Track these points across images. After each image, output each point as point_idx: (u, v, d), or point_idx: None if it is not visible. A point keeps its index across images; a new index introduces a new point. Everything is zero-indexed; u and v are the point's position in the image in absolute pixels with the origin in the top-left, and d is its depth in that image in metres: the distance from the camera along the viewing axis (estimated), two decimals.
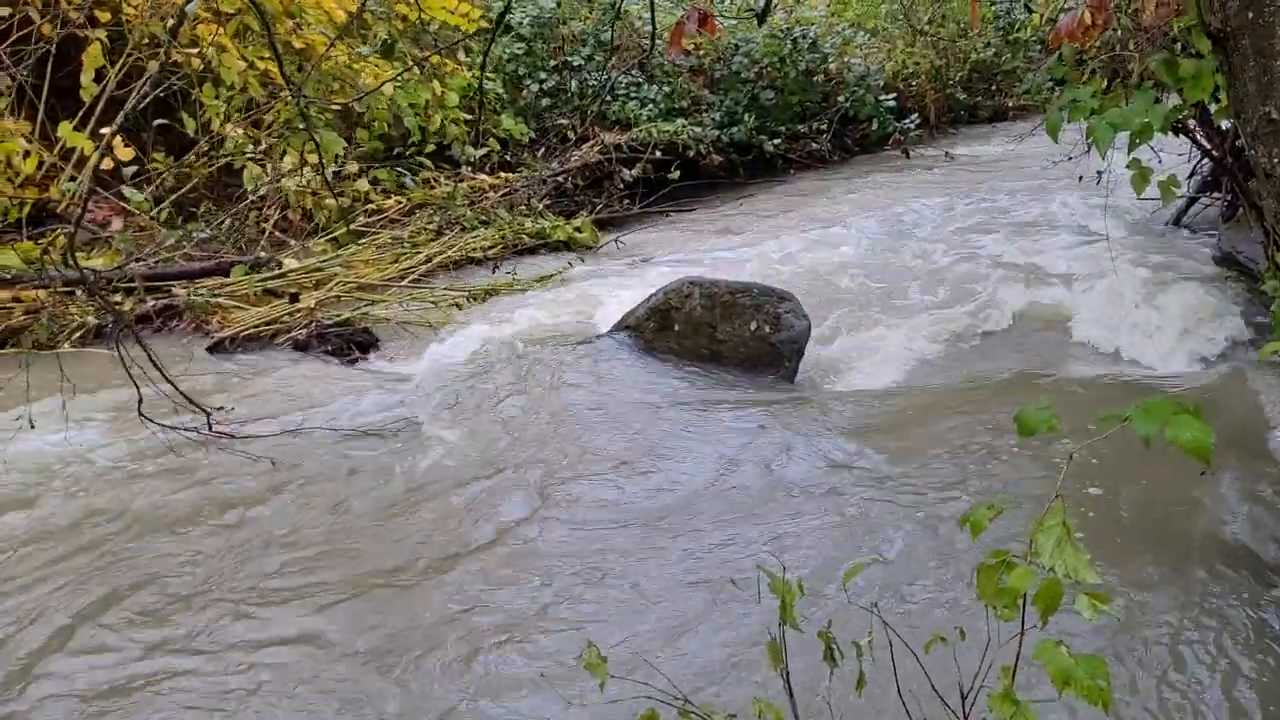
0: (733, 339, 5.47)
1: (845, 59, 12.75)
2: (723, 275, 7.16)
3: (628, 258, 8.43)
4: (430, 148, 8.85)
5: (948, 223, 9.01)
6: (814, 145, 12.32)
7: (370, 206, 8.50)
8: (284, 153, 7.98)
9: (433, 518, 4.07)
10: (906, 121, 12.89)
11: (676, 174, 10.18)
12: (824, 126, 12.48)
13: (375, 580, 3.58)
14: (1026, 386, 5.34)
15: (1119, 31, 5.49)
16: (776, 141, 11.85)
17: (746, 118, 11.73)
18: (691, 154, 10.73)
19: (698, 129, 10.97)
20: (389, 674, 3.04)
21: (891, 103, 12.85)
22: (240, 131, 7.63)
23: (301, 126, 5.45)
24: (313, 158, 7.18)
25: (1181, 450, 1.95)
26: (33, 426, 4.56)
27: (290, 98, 6.07)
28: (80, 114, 7.40)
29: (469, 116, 9.81)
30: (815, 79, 12.35)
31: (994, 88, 15.45)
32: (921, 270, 7.64)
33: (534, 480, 4.35)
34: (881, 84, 12.93)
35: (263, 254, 7.58)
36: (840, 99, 12.61)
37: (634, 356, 5.63)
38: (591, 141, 10.41)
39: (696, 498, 4.14)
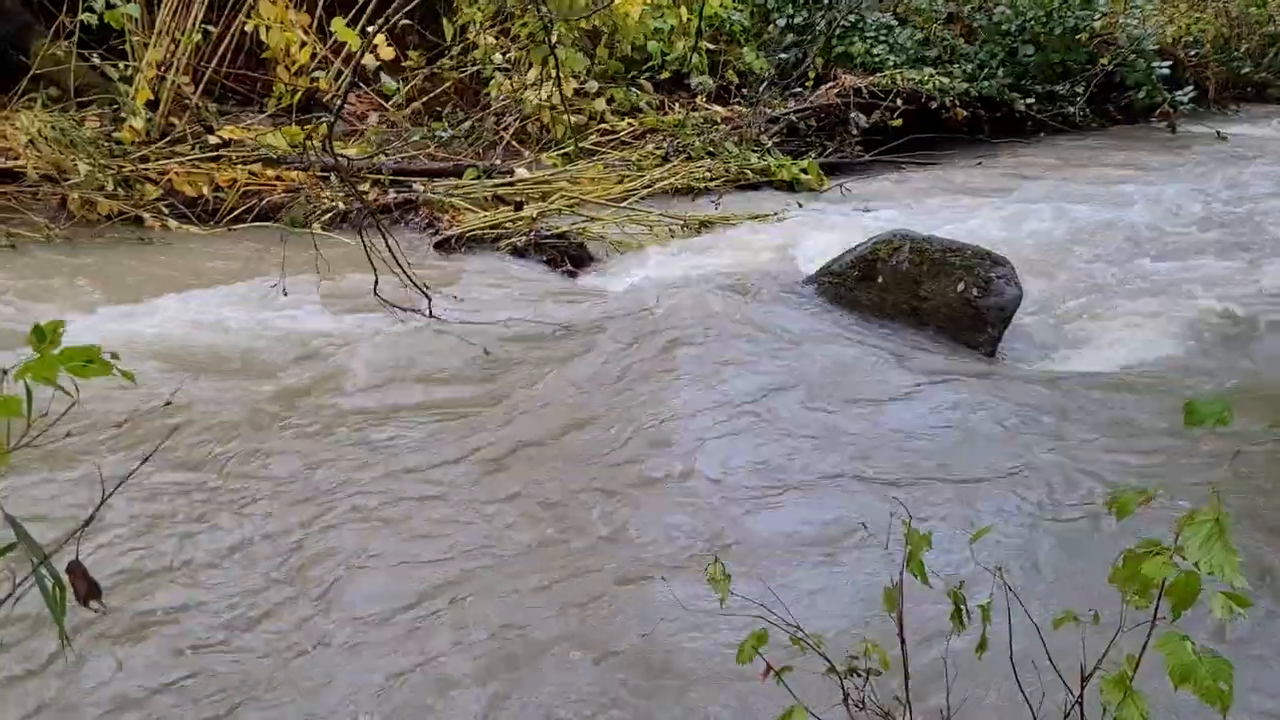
0: (936, 298, 5.35)
1: (1118, 18, 11.87)
2: (937, 229, 7.00)
3: (850, 204, 8.30)
4: (667, 74, 8.96)
5: (1204, 208, 8.35)
6: (1069, 109, 11.60)
7: (604, 126, 8.74)
8: (530, 66, 8.32)
9: (613, 422, 4.28)
10: (1180, 93, 11.91)
11: (899, 121, 9.82)
12: (1082, 89, 11.72)
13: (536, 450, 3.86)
14: (1248, 395, 4.95)
15: None
16: (1029, 101, 11.25)
17: (1000, 72, 11.18)
18: (935, 105, 10.35)
19: (945, 80, 10.55)
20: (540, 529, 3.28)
21: (1165, 70, 11.88)
22: (491, 41, 7.99)
23: (543, 40, 5.70)
24: (554, 71, 7.47)
25: None
26: (285, 294, 5.07)
27: (537, 11, 6.31)
28: (353, 12, 7.96)
29: (711, 46, 9.87)
30: (1080, 37, 11.58)
31: None
32: (1161, 257, 7.15)
33: (709, 409, 4.45)
34: (1156, 49, 11.97)
35: (497, 161, 7.98)
36: (1104, 61, 11.78)
37: (831, 303, 5.61)
38: (832, 83, 10.23)
39: (865, 453, 4.13)
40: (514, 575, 3.17)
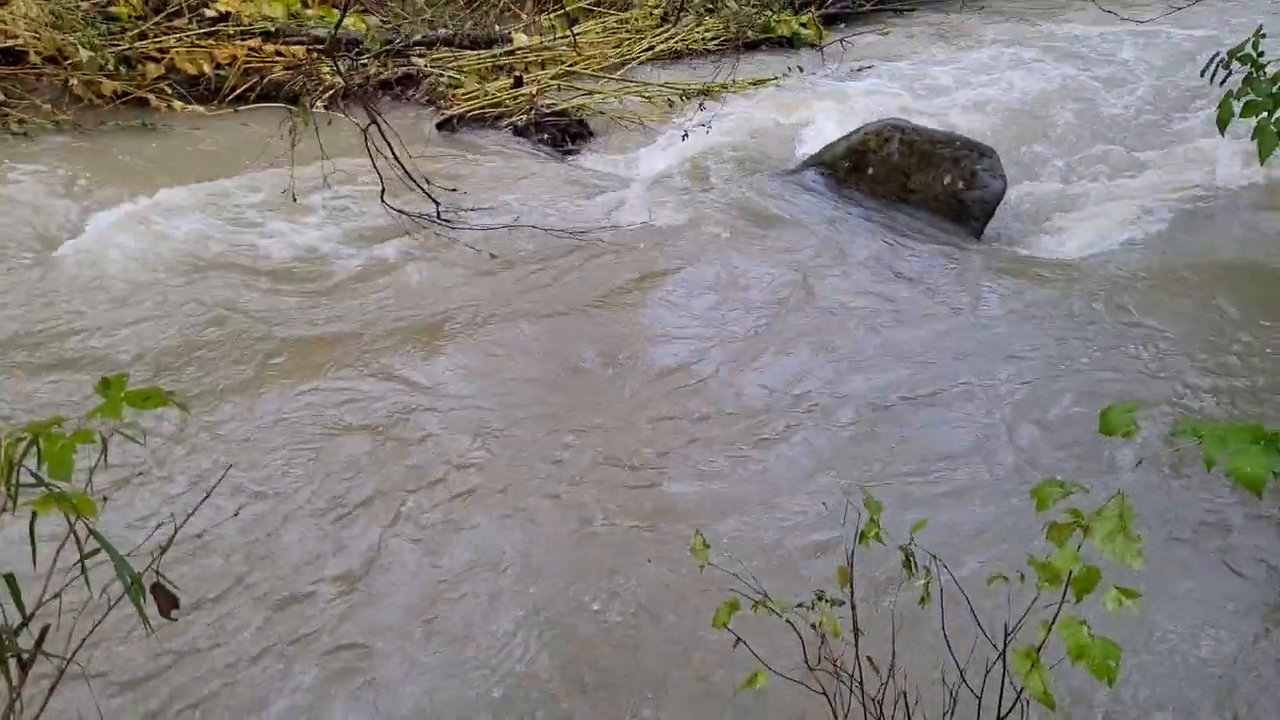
0: (924, 190, 5.54)
1: None
2: (932, 98, 7.08)
3: (846, 63, 8.30)
4: None
5: (1204, 60, 8.30)
6: None
7: None
8: None
9: (617, 314, 4.61)
10: None
11: None
12: None
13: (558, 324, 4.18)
14: (1230, 276, 5.16)
15: None
16: None
17: None
18: None
19: None
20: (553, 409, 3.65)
21: None
22: None
23: None
24: None
25: (1236, 481, 2.15)
26: (295, 200, 5.27)
27: None
28: None
29: None
30: None
31: None
32: (1155, 116, 7.23)
33: (705, 306, 4.73)
34: None
35: (497, 27, 7.94)
36: None
37: (826, 192, 5.80)
38: None
39: (854, 344, 4.43)
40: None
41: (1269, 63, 2.92)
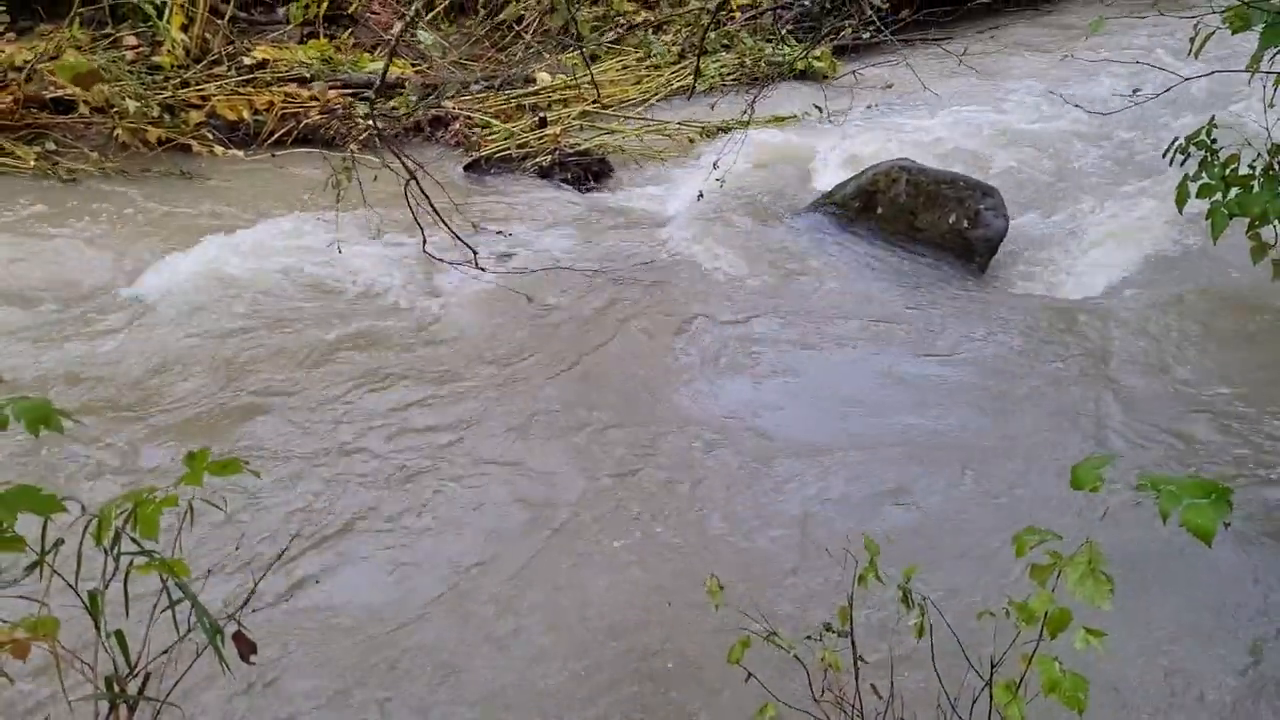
0: (930, 229, 5.80)
1: None
2: (939, 132, 7.33)
3: (859, 97, 8.55)
4: None
5: (1227, 93, 8.41)
6: None
7: (621, 21, 8.92)
8: None
9: (645, 352, 4.92)
10: None
11: None
12: None
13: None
14: (1236, 323, 5.32)
15: None
16: None
17: None
18: None
19: None
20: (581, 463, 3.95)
21: None
22: None
23: None
24: None
25: (1188, 531, 2.41)
26: (340, 252, 5.58)
27: None
28: None
29: None
30: None
31: None
32: (1149, 153, 7.41)
33: (729, 345, 5.01)
34: None
35: (520, 68, 8.27)
36: None
37: (837, 231, 6.07)
38: None
39: (864, 381, 4.72)
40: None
41: (1221, 149, 3.18)
